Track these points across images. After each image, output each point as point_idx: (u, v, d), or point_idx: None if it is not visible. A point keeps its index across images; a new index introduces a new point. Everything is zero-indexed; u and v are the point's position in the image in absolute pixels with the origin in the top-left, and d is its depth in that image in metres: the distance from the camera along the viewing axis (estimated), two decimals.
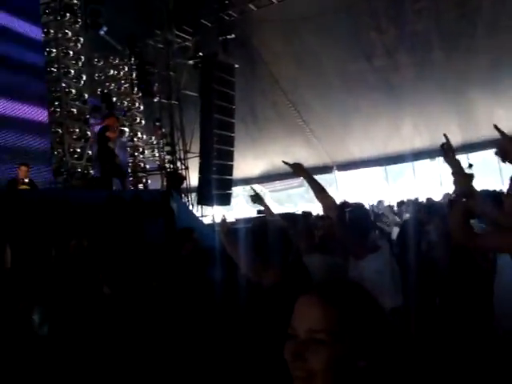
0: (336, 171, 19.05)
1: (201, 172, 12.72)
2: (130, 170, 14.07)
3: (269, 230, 2.72)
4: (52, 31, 11.51)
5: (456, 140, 13.64)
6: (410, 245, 4.84)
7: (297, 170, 3.59)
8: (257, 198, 4.38)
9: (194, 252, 5.36)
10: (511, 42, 13.07)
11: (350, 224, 3.57)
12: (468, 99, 14.98)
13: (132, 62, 14.20)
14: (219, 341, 3.14)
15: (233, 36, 14.85)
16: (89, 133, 11.45)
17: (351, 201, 4.76)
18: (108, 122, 9.98)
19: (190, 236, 5.45)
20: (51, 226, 6.00)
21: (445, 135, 2.47)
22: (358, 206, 4.07)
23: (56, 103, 11.29)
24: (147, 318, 2.59)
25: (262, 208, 4.55)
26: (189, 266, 5.23)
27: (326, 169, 18.55)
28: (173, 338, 2.56)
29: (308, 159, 17.65)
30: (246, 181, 17.67)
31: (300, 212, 9.25)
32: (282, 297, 2.39)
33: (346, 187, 18.89)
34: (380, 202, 12.00)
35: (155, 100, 14.40)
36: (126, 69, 14.37)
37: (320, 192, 3.50)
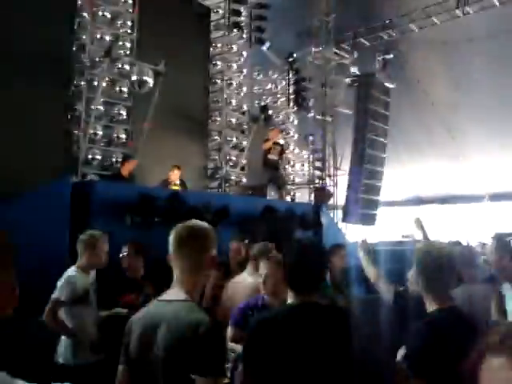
0: (488, 201, 18.01)
1: (349, 190, 12.65)
2: None
3: (444, 257, 2.65)
4: (219, 45, 12.25)
5: None
6: None
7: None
8: (419, 223, 4.46)
9: (341, 268, 5.38)
10: None
11: None
12: None
13: (290, 76, 14.61)
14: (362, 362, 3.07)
15: (391, 56, 14.69)
16: (245, 142, 11.88)
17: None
18: (271, 134, 10.38)
19: (339, 252, 5.48)
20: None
21: None
22: None
23: (217, 112, 11.94)
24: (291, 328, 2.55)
25: (407, 233, 4.73)
26: (335, 282, 5.24)
27: (476, 198, 17.61)
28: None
29: (458, 187, 16.94)
30: (390, 203, 17.27)
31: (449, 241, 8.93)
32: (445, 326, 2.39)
33: (497, 218, 17.76)
34: None
35: (309, 115, 14.65)
36: (284, 83, 14.77)
37: None
